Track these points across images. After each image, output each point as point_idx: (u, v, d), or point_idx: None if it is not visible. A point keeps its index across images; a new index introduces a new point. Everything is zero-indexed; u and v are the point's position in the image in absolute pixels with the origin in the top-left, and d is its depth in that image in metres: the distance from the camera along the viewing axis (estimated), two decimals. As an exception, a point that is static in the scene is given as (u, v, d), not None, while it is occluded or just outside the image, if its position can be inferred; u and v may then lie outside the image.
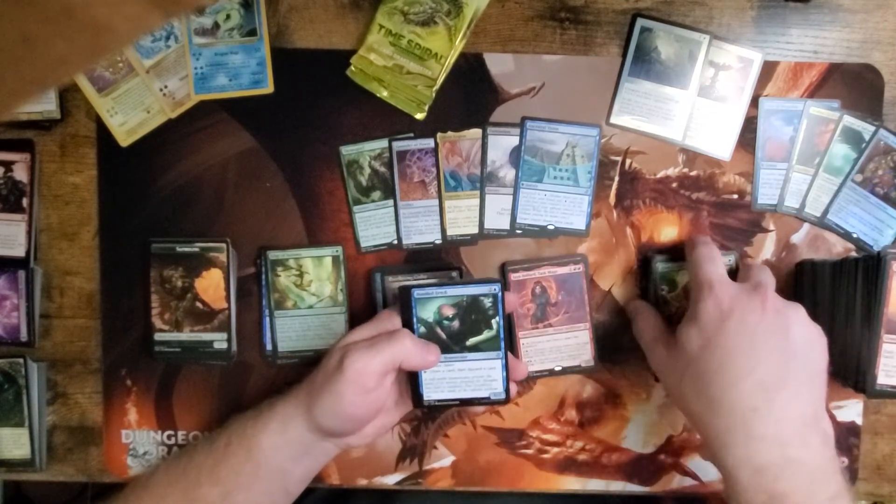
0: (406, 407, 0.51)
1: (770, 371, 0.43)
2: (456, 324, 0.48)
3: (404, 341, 0.46)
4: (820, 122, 0.55)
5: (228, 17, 0.55)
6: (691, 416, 0.46)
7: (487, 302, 0.48)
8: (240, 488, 0.47)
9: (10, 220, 0.56)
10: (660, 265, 0.54)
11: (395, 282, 0.56)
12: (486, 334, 0.48)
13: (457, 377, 0.48)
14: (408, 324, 0.48)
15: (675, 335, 0.48)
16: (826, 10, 0.55)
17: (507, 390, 0.48)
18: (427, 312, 0.48)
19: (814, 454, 0.42)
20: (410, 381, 0.49)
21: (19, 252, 0.56)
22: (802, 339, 0.45)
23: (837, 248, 0.56)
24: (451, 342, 0.48)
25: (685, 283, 0.54)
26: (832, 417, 0.56)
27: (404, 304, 0.48)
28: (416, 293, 0.48)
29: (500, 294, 0.47)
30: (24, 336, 0.56)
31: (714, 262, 0.48)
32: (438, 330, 0.48)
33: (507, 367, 0.48)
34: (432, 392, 0.49)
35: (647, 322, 0.52)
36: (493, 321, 0.48)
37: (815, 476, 0.41)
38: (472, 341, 0.48)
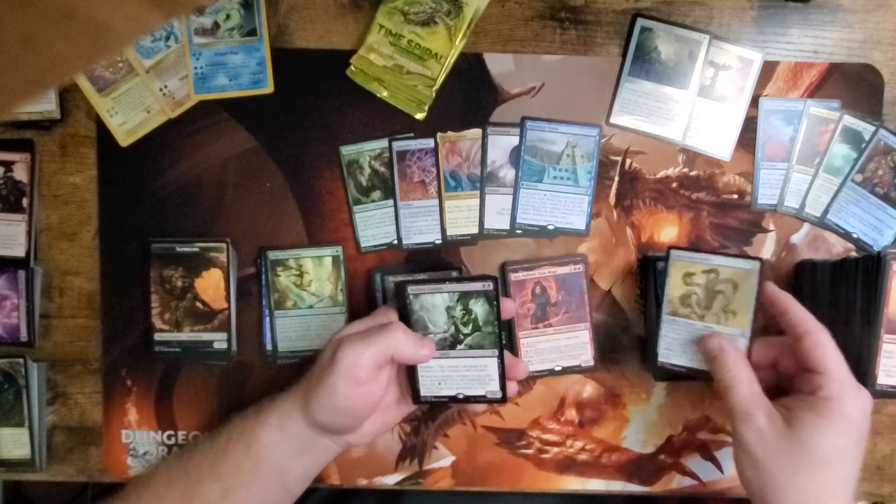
0: (407, 407, 0.51)
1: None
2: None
3: (396, 333, 0.45)
4: (820, 122, 0.55)
5: (228, 17, 0.55)
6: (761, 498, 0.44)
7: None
8: (240, 485, 0.47)
9: (10, 220, 0.56)
10: (660, 264, 0.54)
11: (395, 282, 0.56)
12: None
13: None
14: (403, 318, 0.48)
15: (780, 409, 0.44)
16: (826, 10, 0.55)
17: (503, 389, 0.48)
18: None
19: None
20: (409, 376, 0.49)
21: (19, 252, 0.56)
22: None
23: (837, 248, 0.56)
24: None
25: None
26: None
27: (399, 298, 0.48)
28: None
29: (494, 291, 0.47)
30: (24, 336, 0.56)
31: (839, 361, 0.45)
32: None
33: (503, 366, 0.48)
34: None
35: (740, 375, 0.46)
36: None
37: None
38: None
